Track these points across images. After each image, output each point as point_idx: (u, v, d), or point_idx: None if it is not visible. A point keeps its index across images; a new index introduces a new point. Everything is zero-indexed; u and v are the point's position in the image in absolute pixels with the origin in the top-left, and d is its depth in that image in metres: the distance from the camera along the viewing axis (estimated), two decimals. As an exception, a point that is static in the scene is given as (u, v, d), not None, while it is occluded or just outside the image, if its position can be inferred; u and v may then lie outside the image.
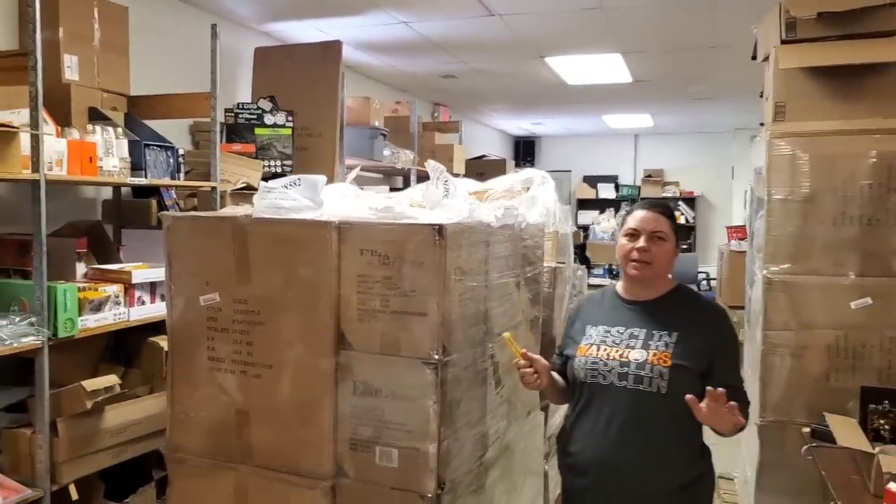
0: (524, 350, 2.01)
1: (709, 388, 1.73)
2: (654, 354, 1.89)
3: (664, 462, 1.90)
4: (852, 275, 2.79)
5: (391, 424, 1.87)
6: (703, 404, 1.74)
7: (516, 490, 2.47)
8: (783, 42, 2.88)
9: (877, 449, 2.17)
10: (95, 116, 2.96)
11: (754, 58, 3.38)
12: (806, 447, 2.48)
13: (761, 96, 3.26)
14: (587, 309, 2.15)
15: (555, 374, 2.12)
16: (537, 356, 2.03)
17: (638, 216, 2.01)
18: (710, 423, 1.78)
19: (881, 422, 2.37)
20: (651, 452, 1.90)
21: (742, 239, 6.57)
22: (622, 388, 1.91)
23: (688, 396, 1.76)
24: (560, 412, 3.23)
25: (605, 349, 1.96)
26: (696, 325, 1.94)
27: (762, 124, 3.19)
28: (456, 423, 1.93)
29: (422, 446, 1.84)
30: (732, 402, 1.74)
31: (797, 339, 2.85)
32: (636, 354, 1.91)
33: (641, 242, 1.97)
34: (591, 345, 2.00)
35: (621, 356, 1.93)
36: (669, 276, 2.06)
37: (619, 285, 2.12)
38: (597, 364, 1.96)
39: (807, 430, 2.60)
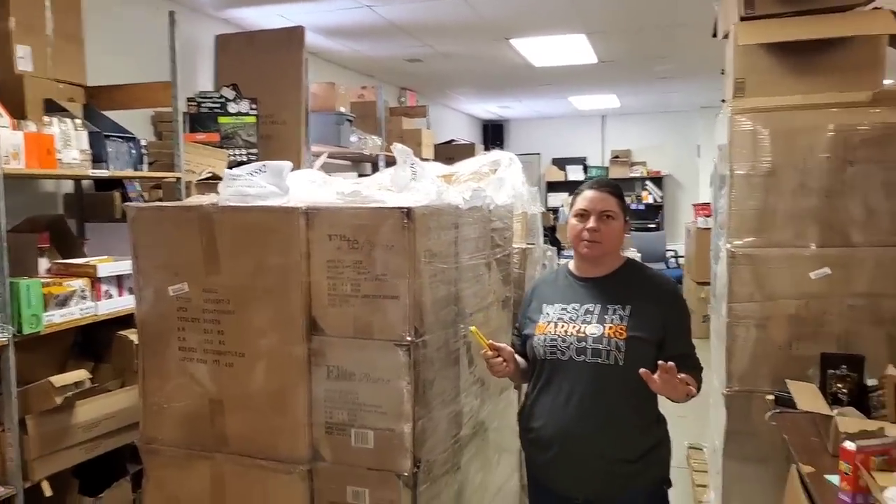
0: (490, 341, 2.05)
1: (660, 361, 1.80)
2: (610, 328, 1.95)
3: (624, 431, 1.97)
4: (813, 246, 2.86)
5: (366, 407, 1.88)
6: (656, 376, 1.80)
7: (491, 467, 2.51)
8: (742, 19, 2.92)
9: (835, 411, 2.24)
10: (52, 108, 2.90)
11: (715, 35, 3.43)
12: (769, 413, 2.55)
13: (722, 73, 3.31)
14: (542, 288, 2.20)
15: (517, 356, 2.15)
16: (502, 344, 2.07)
17: (587, 196, 2.06)
18: (664, 393, 1.86)
19: (839, 386, 2.44)
20: (611, 423, 1.96)
21: (708, 216, 6.68)
22: (581, 363, 1.96)
23: (641, 371, 1.82)
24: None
25: (563, 325, 2.01)
26: (647, 298, 2.00)
27: (723, 101, 3.24)
28: (430, 403, 1.95)
29: (397, 427, 1.86)
30: (683, 375, 1.83)
31: (761, 311, 2.91)
32: (592, 329, 1.96)
33: (591, 223, 2.02)
34: (549, 322, 2.05)
35: (578, 332, 1.98)
36: (643, 250, 2.12)
37: (572, 264, 2.17)
38: (555, 341, 2.00)
39: (770, 397, 2.67)
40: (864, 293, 2.81)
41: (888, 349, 2.76)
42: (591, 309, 2.01)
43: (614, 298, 2.01)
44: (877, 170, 2.77)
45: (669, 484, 2.09)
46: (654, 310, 1.99)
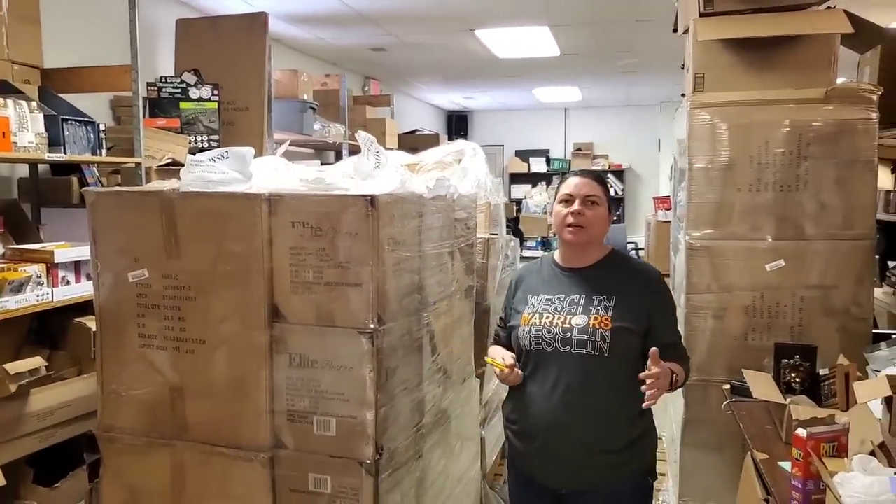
0: (503, 361, 2.03)
1: (651, 350, 1.81)
2: (595, 318, 1.94)
3: (609, 422, 1.96)
4: (769, 238, 2.94)
5: (328, 394, 1.88)
6: (650, 369, 1.80)
7: (454, 455, 2.53)
8: (702, 15, 2.98)
9: (788, 400, 2.31)
10: (6, 90, 2.82)
11: (675, 30, 3.48)
12: (725, 402, 2.62)
13: (683, 68, 3.36)
14: (527, 279, 2.18)
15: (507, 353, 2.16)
16: (511, 358, 2.05)
17: (572, 182, 2.06)
18: (655, 386, 1.82)
19: (792, 375, 2.51)
20: (596, 413, 1.95)
21: (668, 209, 6.79)
22: (566, 353, 1.96)
23: (641, 375, 1.81)
24: (494, 380, 3.31)
25: (548, 316, 2.00)
26: (632, 288, 2.00)
27: (683, 95, 3.29)
28: (393, 390, 1.96)
29: (359, 414, 1.87)
30: (669, 364, 1.86)
31: (718, 301, 2.98)
32: (578, 320, 1.96)
33: (576, 206, 2.01)
34: (534, 313, 2.04)
35: (563, 322, 1.97)
36: (604, 243, 2.12)
37: (556, 254, 2.16)
38: (540, 331, 2.00)
39: (727, 386, 2.74)
40: (817, 285, 2.89)
41: (839, 339, 2.85)
42: (576, 300, 2.01)
43: (599, 289, 2.00)
44: (829, 165, 2.85)
45: (655, 476, 2.08)
46: (639, 300, 1.98)
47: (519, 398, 2.08)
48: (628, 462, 2.00)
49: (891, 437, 1.81)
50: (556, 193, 2.13)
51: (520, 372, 2.04)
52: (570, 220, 2.01)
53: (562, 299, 2.03)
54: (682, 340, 2.16)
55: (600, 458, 1.97)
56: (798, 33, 2.88)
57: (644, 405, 1.83)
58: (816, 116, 2.85)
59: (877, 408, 1.99)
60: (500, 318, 2.27)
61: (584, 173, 2.10)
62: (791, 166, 2.88)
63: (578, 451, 1.97)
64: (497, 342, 2.27)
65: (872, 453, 1.78)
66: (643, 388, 1.81)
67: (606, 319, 1.94)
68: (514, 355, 2.07)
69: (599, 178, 2.09)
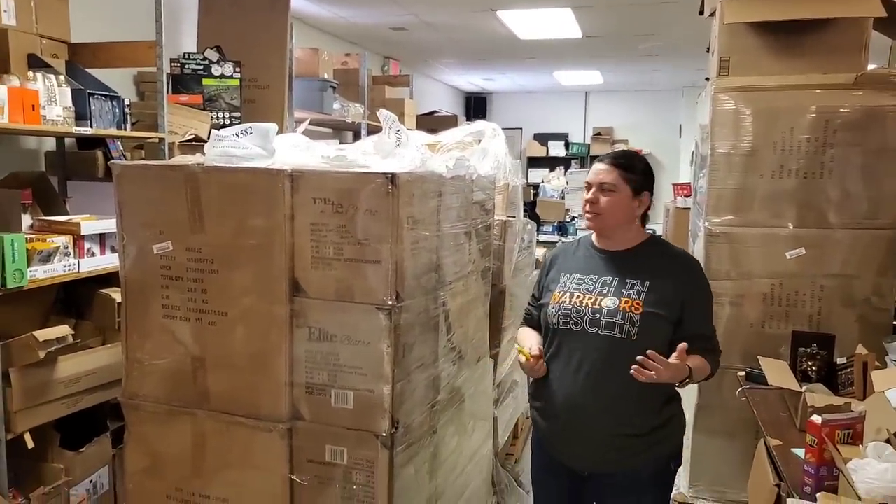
0: (530, 350, 2.07)
1: (680, 345, 1.83)
2: (626, 302, 1.94)
3: (632, 406, 1.95)
4: (790, 226, 2.92)
5: (346, 368, 1.91)
6: (672, 358, 1.83)
7: (467, 433, 2.56)
8: (729, -3, 2.95)
9: (803, 387, 2.31)
10: (35, 64, 2.85)
11: (701, 13, 3.44)
12: (740, 389, 2.62)
13: (708, 51, 3.33)
14: (562, 258, 2.18)
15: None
16: (539, 349, 2.08)
17: (593, 169, 2.07)
18: (665, 377, 1.85)
19: (809, 363, 2.51)
20: (620, 396, 1.94)
21: (687, 196, 6.73)
22: (593, 334, 1.96)
23: (649, 352, 1.83)
24: (508, 361, 3.33)
25: (579, 296, 2.01)
26: (667, 275, 1.98)
27: (707, 79, 3.26)
28: (409, 366, 1.99)
29: (376, 388, 1.89)
30: (690, 360, 1.86)
31: (736, 289, 2.98)
32: (608, 302, 1.96)
33: (590, 194, 2.03)
34: (565, 292, 2.04)
35: (594, 303, 1.97)
36: (645, 227, 2.10)
37: (594, 235, 2.16)
38: (569, 310, 2.00)
39: (741, 373, 2.74)
40: (837, 274, 2.88)
41: (858, 329, 2.84)
42: (609, 281, 2.00)
43: (633, 273, 1.99)
44: (856, 152, 2.83)
45: (679, 462, 2.08)
46: (673, 287, 1.96)
47: (543, 377, 2.09)
48: (651, 447, 1.99)
49: (907, 426, 1.81)
50: None
51: (544, 366, 2.05)
52: (586, 207, 2.05)
53: (594, 280, 2.02)
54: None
55: (622, 442, 1.96)
56: (828, 16, 2.84)
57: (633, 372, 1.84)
58: (844, 102, 2.82)
59: (894, 397, 1.98)
60: (533, 296, 2.27)
61: (606, 158, 2.07)
62: (816, 153, 2.86)
63: (600, 433, 1.97)
64: (528, 321, 2.26)
65: (888, 441, 1.78)
66: (634, 365, 1.83)
67: (638, 304, 1.93)
68: (541, 347, 2.08)
69: (621, 161, 2.04)
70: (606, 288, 1.99)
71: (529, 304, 2.28)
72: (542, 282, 2.18)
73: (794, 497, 1.78)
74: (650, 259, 2.02)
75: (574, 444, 2.03)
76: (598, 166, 2.05)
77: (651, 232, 2.13)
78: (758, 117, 2.90)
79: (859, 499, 1.54)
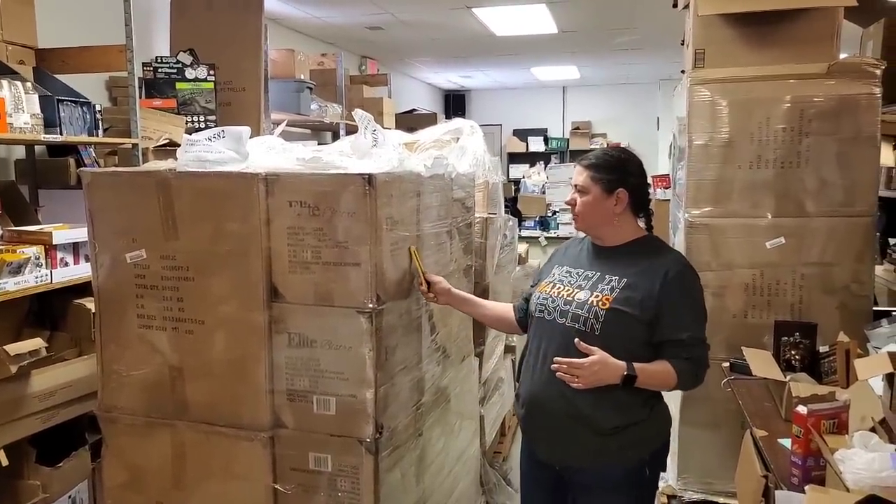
0: (425, 272, 2.09)
1: (576, 340, 1.85)
2: (597, 297, 1.92)
3: (589, 401, 1.89)
4: (769, 215, 2.92)
5: (328, 373, 1.88)
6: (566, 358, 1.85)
7: (453, 433, 2.54)
8: (702, -11, 2.94)
9: (788, 377, 2.31)
10: (0, 70, 2.79)
11: (675, 5, 3.44)
12: (725, 380, 2.62)
13: (682, 44, 3.33)
14: (562, 251, 2.20)
15: (473, 297, 2.27)
16: (438, 278, 2.14)
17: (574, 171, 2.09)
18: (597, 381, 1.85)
19: (792, 352, 2.51)
20: (577, 390, 1.87)
21: (667, 188, 6.76)
22: (560, 325, 1.95)
23: (555, 359, 1.87)
24: (493, 359, 3.32)
25: (559, 288, 2.02)
26: (647, 275, 1.92)
27: (683, 71, 3.26)
28: (392, 369, 1.96)
29: (359, 393, 1.87)
30: (643, 365, 1.85)
31: (718, 279, 2.98)
32: (581, 295, 1.95)
33: (568, 197, 2.06)
34: (549, 283, 2.06)
35: (569, 295, 1.97)
36: (649, 222, 2.09)
37: None
38: (546, 300, 2.01)
39: (726, 364, 2.74)
40: (817, 262, 2.89)
41: (839, 316, 2.85)
42: (591, 276, 1.99)
43: (615, 269, 1.97)
44: (831, 141, 2.84)
45: (657, 468, 2.01)
46: (651, 288, 1.90)
47: (521, 366, 2.12)
48: (620, 448, 1.92)
49: (891, 414, 1.82)
50: None
51: (436, 298, 2.13)
52: (570, 209, 2.07)
53: (579, 274, 2.02)
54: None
55: (584, 438, 1.92)
56: (800, 6, 2.85)
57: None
58: (818, 92, 2.83)
59: (877, 384, 1.99)
60: (531, 286, 2.23)
61: (582, 160, 2.06)
62: (792, 143, 2.86)
63: (560, 426, 1.94)
64: (515, 307, 2.25)
65: (873, 430, 1.79)
66: (553, 366, 1.85)
67: (607, 299, 1.91)
68: (441, 280, 2.14)
69: (592, 162, 2.01)
70: (586, 282, 1.99)
71: (524, 293, 2.26)
72: (541, 271, 2.20)
73: (781, 488, 1.77)
74: (635, 257, 1.99)
75: (540, 436, 2.03)
76: (575, 168, 2.08)
77: (647, 230, 2.08)
78: (734, 108, 2.91)
79: (847, 490, 1.53)
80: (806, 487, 1.62)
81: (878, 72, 2.79)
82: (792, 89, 2.86)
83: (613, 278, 1.95)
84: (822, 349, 2.47)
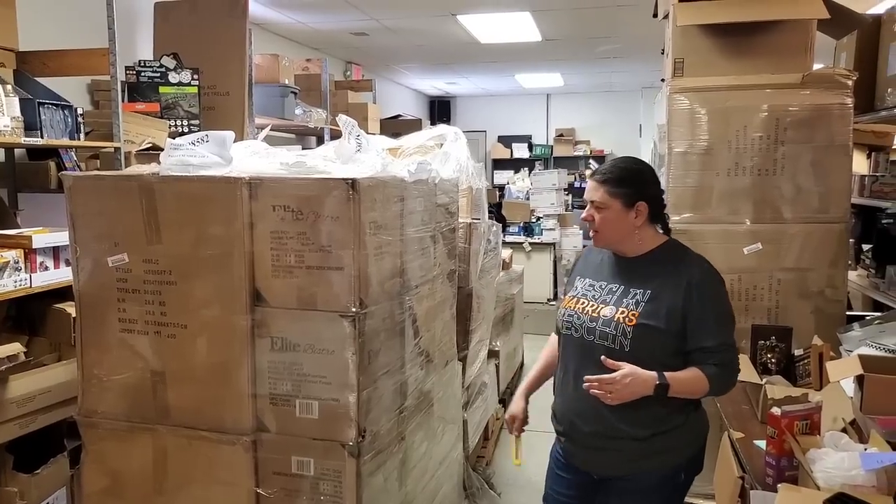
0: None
1: (602, 357, 1.83)
2: (622, 312, 1.88)
3: (626, 415, 1.86)
4: (748, 222, 2.98)
5: (310, 377, 1.89)
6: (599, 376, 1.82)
7: (436, 438, 2.56)
8: (681, 0, 3.00)
9: (764, 380, 2.35)
10: (-19, 73, 2.79)
11: (655, 15, 3.50)
12: (704, 383, 2.65)
13: (662, 53, 3.38)
14: (583, 261, 2.15)
15: (537, 372, 2.24)
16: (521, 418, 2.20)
17: (586, 187, 2.02)
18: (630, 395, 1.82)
19: (769, 356, 2.56)
20: (610, 406, 1.85)
21: (648, 194, 6.84)
22: (589, 343, 1.92)
23: (586, 377, 1.86)
24: (477, 363, 3.33)
25: (583, 303, 1.97)
26: (670, 284, 1.88)
27: (663, 80, 3.31)
28: (375, 373, 1.97)
29: (342, 397, 1.88)
30: (672, 373, 1.82)
31: (697, 285, 3.01)
32: (606, 311, 1.91)
33: (585, 213, 2.01)
34: (574, 297, 2.02)
35: (594, 311, 1.93)
36: (659, 231, 2.02)
37: None
38: (571, 317, 1.97)
39: (705, 367, 2.77)
40: (793, 268, 2.94)
41: (814, 320, 2.91)
42: (615, 289, 1.95)
43: (638, 281, 1.93)
44: (806, 149, 2.90)
45: (692, 471, 2.00)
46: (674, 297, 1.86)
47: (555, 380, 2.10)
48: (657, 454, 1.92)
49: (861, 415, 1.85)
50: None
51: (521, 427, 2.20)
52: (588, 225, 2.01)
53: (603, 287, 1.98)
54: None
55: (622, 447, 1.91)
56: (775, 18, 2.91)
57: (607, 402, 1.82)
58: (793, 101, 2.89)
59: (849, 386, 2.03)
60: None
61: (595, 174, 2.01)
62: (769, 151, 2.92)
63: (596, 438, 1.94)
64: (556, 328, 2.16)
65: (844, 430, 1.82)
66: (584, 385, 1.84)
67: (633, 314, 1.87)
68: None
69: (606, 177, 1.95)
70: (610, 296, 1.94)
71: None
72: (568, 285, 2.15)
73: (757, 489, 1.80)
74: (657, 266, 1.95)
75: (577, 450, 2.01)
76: (589, 183, 2.00)
77: (667, 236, 2.03)
78: (712, 116, 2.96)
79: (818, 488, 1.57)
80: (778, 486, 1.65)
81: (850, 82, 2.86)
82: (768, 98, 2.91)
83: (637, 291, 1.90)
84: (798, 352, 2.51)
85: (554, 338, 2.19)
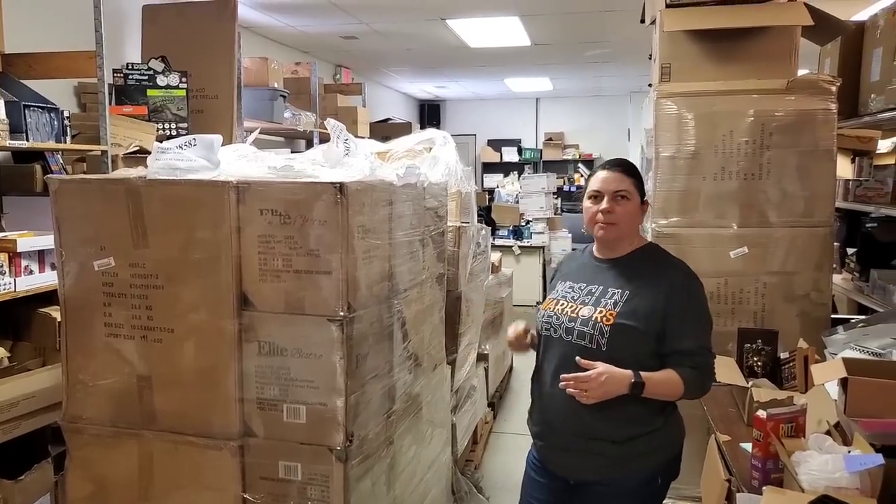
0: (518, 328, 2.09)
1: (577, 357, 1.83)
2: (601, 312, 1.89)
3: (604, 415, 1.86)
4: (734, 226, 3.00)
5: (298, 382, 1.89)
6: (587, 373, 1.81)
7: (424, 441, 2.55)
8: (668, 6, 3.02)
9: (750, 383, 2.37)
10: (-34, 76, 2.77)
11: (643, 21, 3.52)
12: (691, 386, 2.66)
13: (650, 58, 3.40)
14: (565, 265, 2.16)
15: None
16: (524, 326, 2.10)
17: (600, 177, 1.97)
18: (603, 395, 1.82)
19: (755, 359, 2.57)
20: (589, 406, 1.84)
21: (637, 198, 6.88)
22: (567, 342, 1.93)
23: (563, 375, 1.84)
24: (466, 367, 3.33)
25: (563, 304, 1.97)
26: (650, 286, 1.89)
27: (650, 85, 3.33)
28: (363, 377, 1.97)
29: (329, 401, 1.87)
30: (650, 374, 1.81)
31: (684, 289, 3.03)
32: (585, 311, 1.92)
33: (604, 204, 1.94)
34: (553, 299, 2.02)
35: (573, 311, 1.94)
36: (642, 233, 2.06)
37: (596, 245, 2.08)
38: (551, 318, 1.97)
39: (692, 371, 2.78)
40: (779, 271, 2.97)
41: (800, 324, 2.93)
42: (594, 290, 1.96)
43: (618, 282, 1.94)
44: (791, 154, 2.92)
45: (671, 476, 2.00)
46: (654, 298, 1.87)
47: (532, 384, 2.08)
48: (636, 457, 1.91)
49: (845, 417, 1.87)
50: (585, 187, 2.04)
51: (527, 343, 2.08)
52: (601, 217, 1.94)
53: (582, 288, 1.98)
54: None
55: (600, 450, 1.90)
56: (760, 25, 2.94)
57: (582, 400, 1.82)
58: (779, 107, 2.91)
59: (833, 389, 2.05)
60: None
61: (612, 166, 1.99)
62: (755, 155, 2.94)
63: (573, 439, 1.93)
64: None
65: (828, 433, 1.84)
66: (561, 384, 1.83)
67: (611, 314, 1.87)
68: (528, 328, 2.09)
69: (629, 168, 1.99)
70: (590, 297, 1.95)
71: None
72: (549, 288, 2.16)
73: (743, 491, 1.82)
74: (638, 268, 1.96)
75: (554, 453, 2.00)
76: (608, 174, 1.96)
77: (648, 239, 2.06)
78: (699, 121, 2.98)
79: (802, 491, 1.58)
80: (764, 489, 1.66)
81: (833, 88, 2.88)
82: (754, 104, 2.94)
83: (616, 291, 1.92)
84: (783, 355, 2.53)
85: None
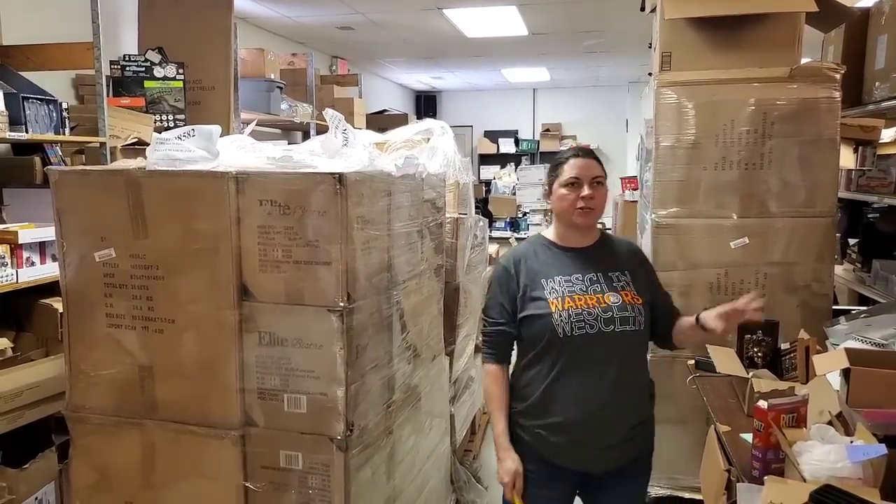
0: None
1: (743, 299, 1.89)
2: (626, 294, 1.95)
3: (642, 395, 2.04)
4: (735, 216, 2.99)
5: (298, 372, 1.89)
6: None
7: (423, 431, 2.56)
8: (669, -7, 3.00)
9: (750, 373, 2.37)
10: (-37, 67, 2.75)
11: (643, 9, 3.50)
12: (690, 377, 2.67)
13: (650, 47, 3.39)
14: (527, 264, 2.00)
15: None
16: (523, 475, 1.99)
17: (576, 165, 1.96)
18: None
19: (755, 350, 2.57)
20: (639, 389, 2.02)
21: (635, 189, 6.85)
22: (610, 333, 1.89)
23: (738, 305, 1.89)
24: (464, 358, 3.34)
25: (579, 298, 1.91)
26: (631, 262, 2.04)
27: (650, 74, 3.32)
28: (363, 368, 1.97)
29: (330, 391, 1.87)
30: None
31: (684, 279, 3.03)
32: (612, 297, 1.92)
33: (586, 190, 1.93)
34: (561, 297, 1.92)
35: (599, 302, 1.91)
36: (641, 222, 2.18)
37: (550, 234, 2.06)
38: (581, 314, 1.89)
39: (691, 361, 2.79)
40: (779, 262, 2.96)
41: (800, 314, 2.92)
42: (595, 278, 1.95)
43: (609, 266, 1.99)
44: (793, 143, 2.91)
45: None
46: (641, 273, 2.04)
47: (555, 390, 1.93)
48: (645, 433, 2.06)
49: (847, 408, 1.87)
50: (555, 175, 2.00)
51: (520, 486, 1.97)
52: (582, 203, 1.93)
53: (580, 279, 1.95)
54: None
55: (630, 433, 1.98)
56: (763, 11, 2.92)
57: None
58: (781, 95, 2.90)
59: (835, 380, 2.05)
60: (501, 313, 2.01)
61: (585, 154, 2.00)
62: (756, 145, 2.93)
63: (619, 431, 1.95)
64: (493, 344, 2.03)
65: (830, 423, 1.84)
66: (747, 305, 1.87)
67: (634, 294, 1.96)
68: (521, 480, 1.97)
69: (595, 155, 2.05)
70: (598, 285, 1.94)
71: (497, 325, 2.02)
72: (519, 293, 1.98)
73: (743, 481, 1.82)
74: (613, 251, 2.05)
75: (592, 449, 1.95)
76: (585, 161, 1.97)
77: (649, 230, 2.19)
78: (699, 110, 2.97)
79: (804, 481, 1.58)
80: (765, 479, 1.66)
81: (837, 76, 2.87)
82: (755, 92, 2.92)
83: (615, 274, 1.99)
84: (784, 346, 2.53)
85: (493, 368, 2.03)
